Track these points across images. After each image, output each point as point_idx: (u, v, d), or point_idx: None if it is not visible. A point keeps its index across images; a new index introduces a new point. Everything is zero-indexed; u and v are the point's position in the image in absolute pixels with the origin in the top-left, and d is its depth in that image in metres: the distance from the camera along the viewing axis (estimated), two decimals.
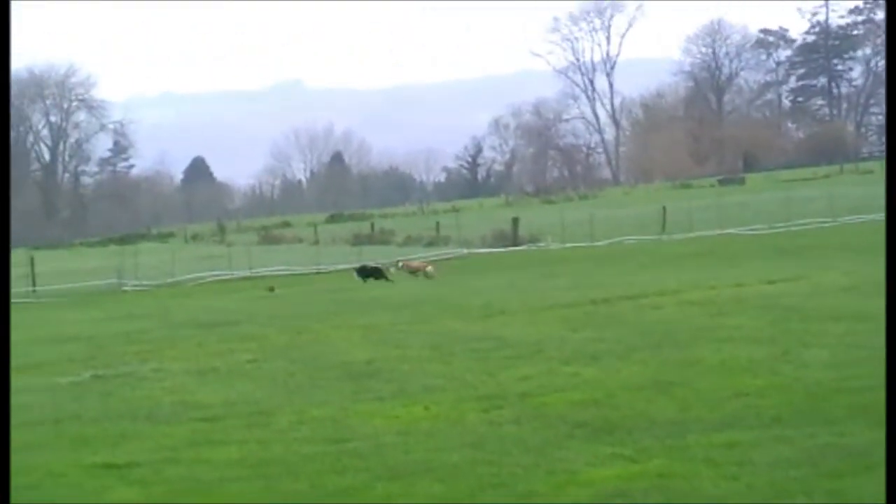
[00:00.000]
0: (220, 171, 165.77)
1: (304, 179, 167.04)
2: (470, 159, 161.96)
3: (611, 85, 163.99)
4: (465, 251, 51.22)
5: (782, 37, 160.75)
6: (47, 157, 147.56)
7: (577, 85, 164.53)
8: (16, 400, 15.65)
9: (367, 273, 38.29)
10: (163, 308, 32.29)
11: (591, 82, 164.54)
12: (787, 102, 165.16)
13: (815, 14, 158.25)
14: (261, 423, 12.88)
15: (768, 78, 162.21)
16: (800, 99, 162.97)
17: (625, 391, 13.15)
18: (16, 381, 17.51)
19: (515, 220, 56.26)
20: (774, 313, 19.24)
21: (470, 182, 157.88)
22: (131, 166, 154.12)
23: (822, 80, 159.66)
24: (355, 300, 29.77)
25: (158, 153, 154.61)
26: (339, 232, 72.22)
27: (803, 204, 55.93)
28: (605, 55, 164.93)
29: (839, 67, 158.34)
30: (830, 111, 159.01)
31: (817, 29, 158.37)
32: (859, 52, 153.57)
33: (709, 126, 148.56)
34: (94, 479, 10.68)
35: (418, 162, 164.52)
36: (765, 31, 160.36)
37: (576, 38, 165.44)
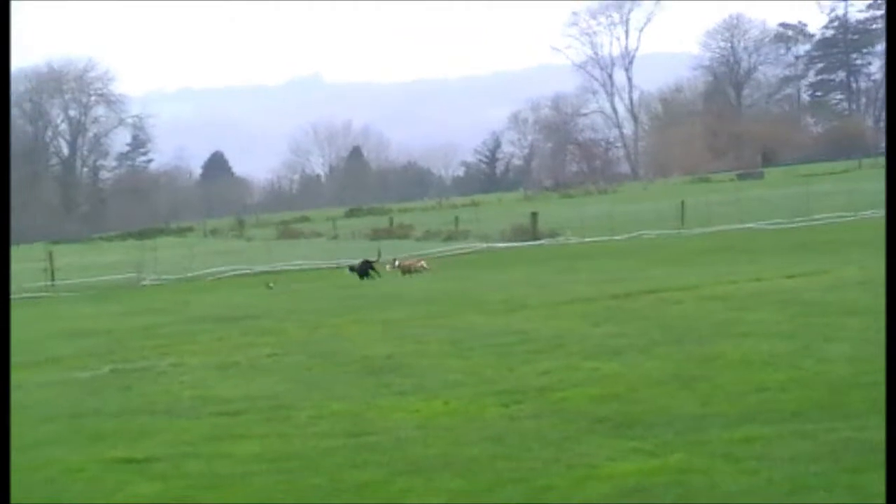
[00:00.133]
0: (238, 166, 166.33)
1: (322, 174, 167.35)
2: (489, 154, 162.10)
3: (629, 79, 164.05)
4: (484, 245, 51.13)
5: (801, 31, 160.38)
6: (66, 151, 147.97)
7: (596, 79, 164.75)
8: (34, 395, 15.73)
9: (363, 270, 36.52)
10: (181, 302, 32.31)
11: (610, 77, 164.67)
12: (805, 97, 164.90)
13: (833, 9, 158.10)
14: (280, 417, 12.87)
15: (787, 72, 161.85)
16: (818, 93, 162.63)
17: (645, 386, 13.10)
18: (34, 375, 17.59)
19: (534, 215, 56.06)
20: (795, 308, 19.14)
21: (489, 176, 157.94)
22: (150, 161, 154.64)
23: (841, 75, 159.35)
24: (374, 295, 29.73)
25: (177, 148, 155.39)
26: (358, 226, 72.23)
27: (822, 199, 55.56)
28: (623, 49, 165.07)
29: (858, 62, 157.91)
30: (849, 106, 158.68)
31: (836, 23, 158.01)
32: (878, 47, 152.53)
33: (727, 121, 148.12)
34: (113, 474, 10.68)
35: (437, 157, 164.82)
36: (784, 26, 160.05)
37: (594, 33, 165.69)
